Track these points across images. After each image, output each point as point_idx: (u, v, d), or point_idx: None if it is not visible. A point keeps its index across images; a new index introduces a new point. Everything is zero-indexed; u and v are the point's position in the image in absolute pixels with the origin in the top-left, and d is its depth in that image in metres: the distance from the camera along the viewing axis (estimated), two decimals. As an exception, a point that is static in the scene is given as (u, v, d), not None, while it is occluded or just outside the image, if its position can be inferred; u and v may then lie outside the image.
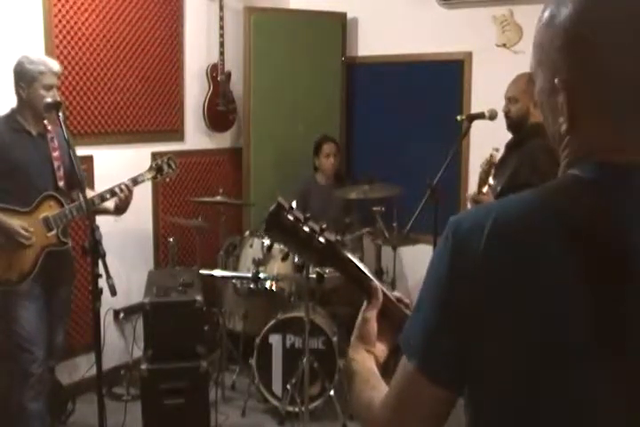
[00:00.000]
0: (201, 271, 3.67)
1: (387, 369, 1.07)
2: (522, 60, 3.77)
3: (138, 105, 4.05)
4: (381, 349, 1.10)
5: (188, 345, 3.22)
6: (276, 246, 3.80)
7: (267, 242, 3.84)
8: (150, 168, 3.16)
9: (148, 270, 3.88)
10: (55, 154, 2.96)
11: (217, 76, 4.45)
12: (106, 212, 3.09)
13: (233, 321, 4.09)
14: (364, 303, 1.12)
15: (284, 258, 3.19)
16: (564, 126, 0.86)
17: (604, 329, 0.79)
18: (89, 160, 3.73)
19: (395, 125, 4.69)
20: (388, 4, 4.64)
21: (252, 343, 3.67)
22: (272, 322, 3.61)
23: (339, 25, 4.76)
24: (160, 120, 4.20)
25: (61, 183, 2.98)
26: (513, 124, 3.01)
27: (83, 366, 3.76)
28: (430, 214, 3.31)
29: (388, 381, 0.94)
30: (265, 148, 4.69)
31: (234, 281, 3.95)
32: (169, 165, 3.19)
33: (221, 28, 4.39)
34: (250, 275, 3.72)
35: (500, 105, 3.08)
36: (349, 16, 4.79)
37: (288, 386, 3.50)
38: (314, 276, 3.01)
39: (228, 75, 4.51)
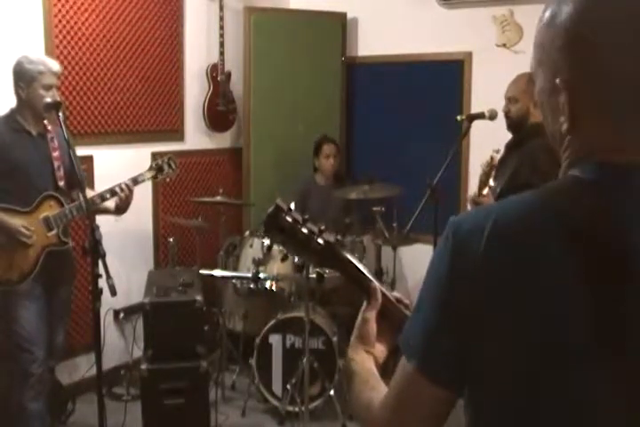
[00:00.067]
0: (201, 271, 3.67)
1: (386, 370, 1.07)
2: (522, 60, 3.77)
3: (138, 105, 4.05)
4: (381, 349, 1.10)
5: (188, 345, 3.22)
6: (276, 247, 3.80)
7: (267, 242, 3.84)
8: (150, 168, 3.16)
9: (148, 270, 3.88)
10: (55, 154, 2.96)
11: (217, 76, 4.45)
12: (106, 211, 3.09)
13: (233, 321, 4.09)
14: (364, 304, 1.12)
15: (284, 258, 3.21)
16: (564, 126, 0.86)
17: (604, 329, 0.79)
18: (89, 160, 3.73)
19: (395, 125, 4.69)
20: (388, 3, 4.64)
21: (251, 343, 3.67)
22: (272, 322, 3.61)
23: (339, 25, 4.75)
24: (160, 120, 4.20)
25: (61, 183, 2.97)
26: (513, 125, 3.01)
27: (83, 366, 3.76)
28: (430, 214, 3.31)
29: (388, 381, 0.94)
30: (265, 148, 4.69)
31: (234, 281, 3.95)
32: (169, 165, 3.19)
33: (221, 28, 4.39)
34: (250, 275, 3.72)
35: (499, 105, 3.08)
36: (349, 16, 4.79)
37: (288, 386, 3.50)
38: (314, 276, 3.01)
39: (228, 75, 4.50)
